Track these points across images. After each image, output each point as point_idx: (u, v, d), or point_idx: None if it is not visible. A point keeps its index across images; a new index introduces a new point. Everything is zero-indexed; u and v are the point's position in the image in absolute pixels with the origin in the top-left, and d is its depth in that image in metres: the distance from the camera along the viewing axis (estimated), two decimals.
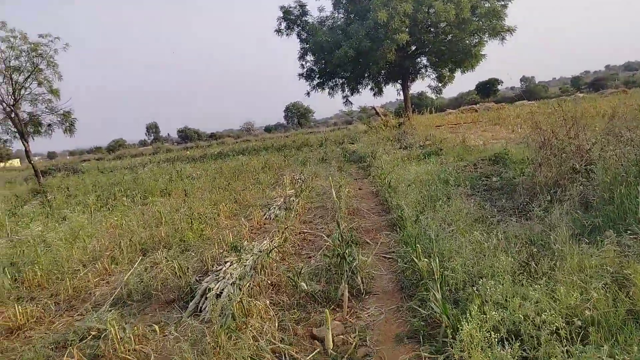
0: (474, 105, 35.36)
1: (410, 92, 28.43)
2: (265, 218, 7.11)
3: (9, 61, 14.36)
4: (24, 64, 14.75)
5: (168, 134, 75.48)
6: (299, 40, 26.07)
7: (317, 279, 3.96)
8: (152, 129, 72.10)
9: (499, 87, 59.62)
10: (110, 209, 8.68)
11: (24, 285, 4.60)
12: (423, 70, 26.74)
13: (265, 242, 4.78)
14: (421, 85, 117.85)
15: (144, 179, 12.68)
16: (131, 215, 7.74)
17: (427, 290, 3.18)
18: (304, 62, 26.44)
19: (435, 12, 21.43)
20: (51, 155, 67.49)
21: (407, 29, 21.26)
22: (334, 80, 26.83)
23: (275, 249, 4.39)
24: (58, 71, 15.57)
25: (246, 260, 4.15)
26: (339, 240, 3.75)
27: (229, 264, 3.90)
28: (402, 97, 28.47)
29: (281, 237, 5.02)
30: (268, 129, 72.23)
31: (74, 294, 4.29)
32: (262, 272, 3.94)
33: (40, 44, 15.05)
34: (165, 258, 4.92)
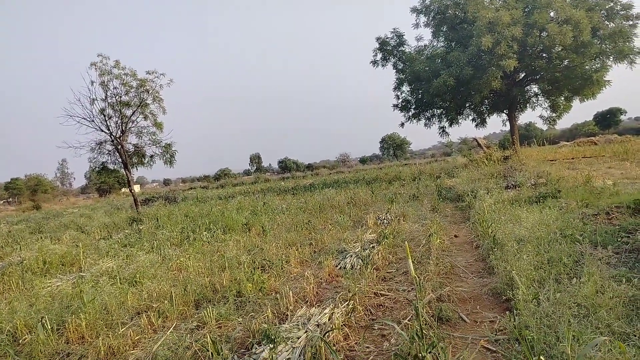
0: (592, 137, 31.04)
1: (518, 122, 25.61)
2: (339, 268, 6.19)
3: (120, 96, 15.80)
4: (133, 99, 16.10)
5: (269, 164, 79.88)
6: (394, 70, 25.43)
7: None
8: (255, 159, 76.91)
9: (622, 117, 52.02)
10: (190, 244, 8.56)
11: (64, 337, 4.24)
12: (534, 99, 23.97)
13: (326, 311, 3.83)
14: (530, 115, 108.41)
15: (230, 211, 12.73)
16: (203, 254, 7.44)
17: None
18: (399, 93, 25.67)
19: (549, 36, 19.10)
20: (167, 182, 75.75)
21: (515, 55, 19.16)
22: (430, 110, 25.43)
23: (336, 329, 3.40)
24: (163, 105, 16.88)
25: (297, 339, 3.26)
26: (417, 335, 2.63)
27: (269, 347, 3.02)
28: (507, 128, 25.94)
29: (348, 305, 4.02)
30: (363, 161, 72.08)
31: (105, 357, 3.78)
32: None
33: (147, 79, 16.37)
34: (215, 318, 4.28)
